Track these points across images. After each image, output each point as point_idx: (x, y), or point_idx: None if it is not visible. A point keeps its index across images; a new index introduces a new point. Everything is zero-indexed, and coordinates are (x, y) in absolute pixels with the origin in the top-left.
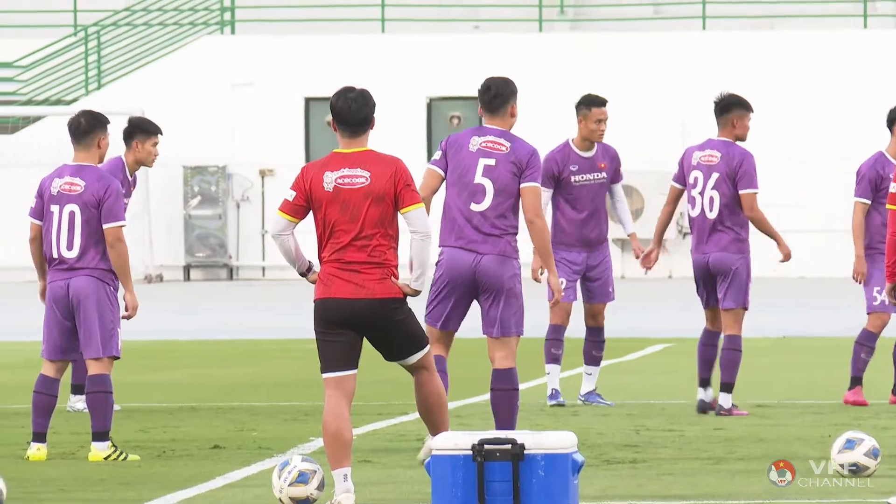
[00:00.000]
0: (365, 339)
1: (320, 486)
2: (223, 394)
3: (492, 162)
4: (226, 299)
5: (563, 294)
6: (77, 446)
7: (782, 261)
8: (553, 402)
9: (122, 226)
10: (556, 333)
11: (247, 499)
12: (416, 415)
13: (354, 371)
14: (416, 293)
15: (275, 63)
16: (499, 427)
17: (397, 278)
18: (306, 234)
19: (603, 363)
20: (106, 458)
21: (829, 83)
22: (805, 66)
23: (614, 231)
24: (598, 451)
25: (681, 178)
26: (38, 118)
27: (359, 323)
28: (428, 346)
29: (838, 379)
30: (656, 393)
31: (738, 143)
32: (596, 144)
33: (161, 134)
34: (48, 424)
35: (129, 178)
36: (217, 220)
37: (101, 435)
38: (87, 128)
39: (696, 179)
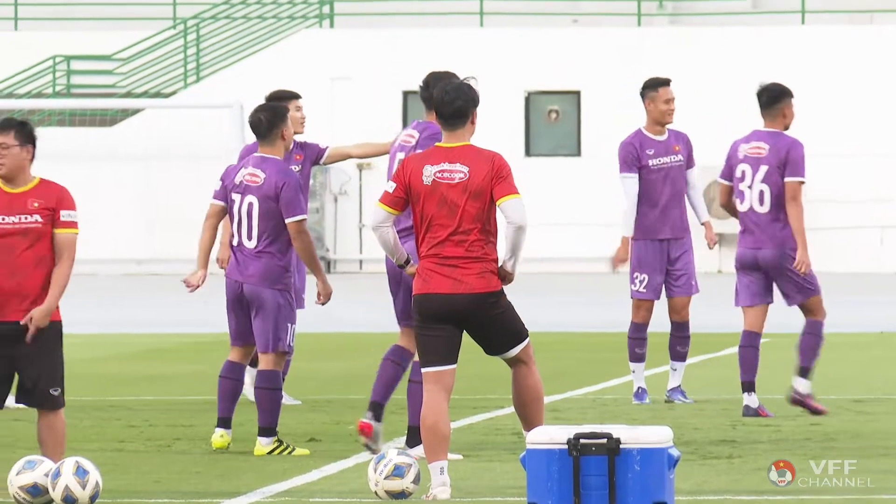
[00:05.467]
0: (465, 334)
1: (416, 480)
2: (320, 387)
3: None
4: None
5: (645, 291)
6: (173, 438)
7: (798, 268)
8: (638, 401)
9: (303, 219)
10: (638, 332)
11: (343, 491)
12: (512, 409)
13: (454, 366)
14: (510, 275)
15: (373, 57)
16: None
17: (496, 273)
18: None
19: (699, 357)
20: (270, 453)
21: None
22: None
23: (713, 226)
24: (694, 446)
25: (728, 172)
26: (136, 111)
27: (458, 318)
28: (527, 340)
29: None
30: None
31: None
32: (667, 129)
33: (300, 97)
34: (233, 410)
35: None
36: (315, 213)
37: (266, 430)
38: (269, 124)
39: (743, 173)
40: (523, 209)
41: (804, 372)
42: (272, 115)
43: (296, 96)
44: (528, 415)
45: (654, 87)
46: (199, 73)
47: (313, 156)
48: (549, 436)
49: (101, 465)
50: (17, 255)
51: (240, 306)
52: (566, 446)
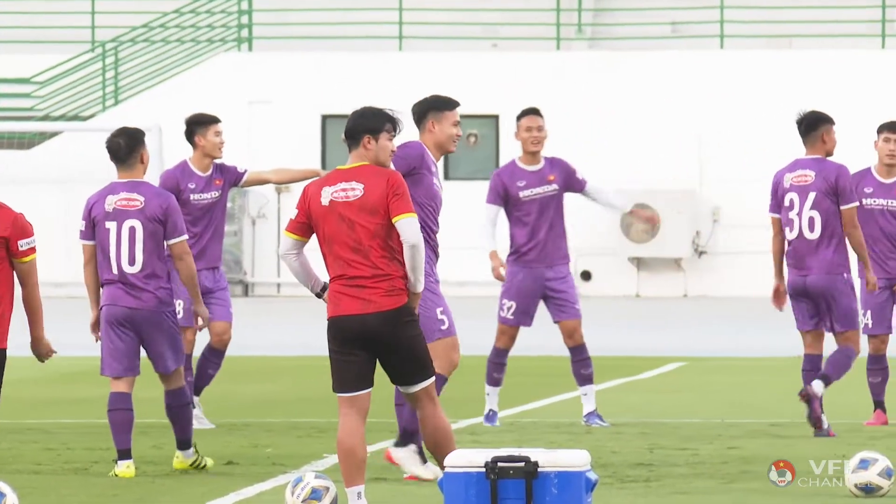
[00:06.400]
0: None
1: (333, 503)
2: (238, 410)
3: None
4: (241, 316)
5: (512, 318)
6: (91, 461)
7: (870, 289)
8: (488, 423)
9: (186, 240)
10: (498, 357)
11: None
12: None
13: (368, 390)
14: (416, 295)
15: (292, 80)
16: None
17: (404, 289)
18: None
19: (617, 381)
20: (192, 464)
21: (846, 102)
22: (822, 85)
23: (629, 250)
24: (612, 470)
25: (776, 205)
26: (54, 134)
27: (370, 339)
28: (433, 379)
29: (853, 399)
30: (670, 412)
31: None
32: (543, 159)
33: (220, 122)
34: (131, 439)
35: (203, 176)
36: (233, 236)
37: (186, 443)
38: (128, 148)
39: (791, 201)
40: (418, 227)
41: (826, 379)
42: (131, 140)
43: (215, 120)
44: (442, 454)
45: (518, 117)
46: (118, 96)
47: (232, 179)
48: (467, 459)
49: (18, 487)
50: None
51: (131, 333)
52: (484, 469)
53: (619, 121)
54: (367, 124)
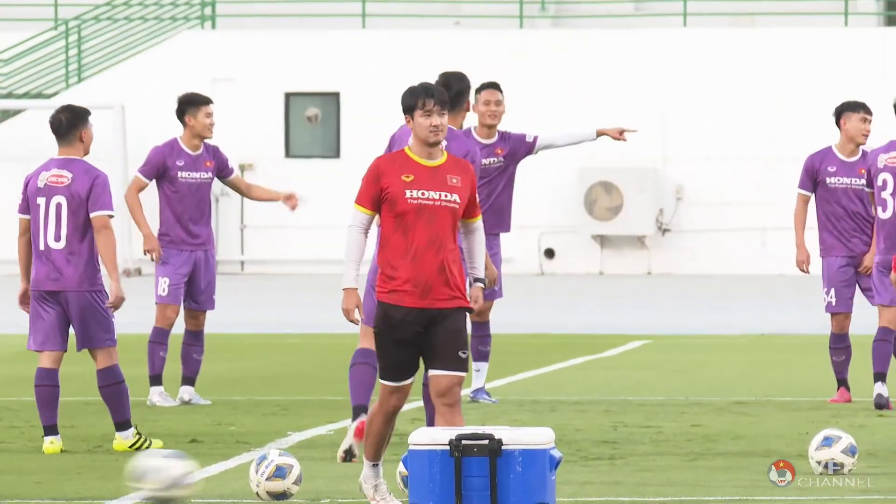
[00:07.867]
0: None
1: (297, 481)
2: (201, 388)
3: None
4: None
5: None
6: None
7: None
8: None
9: (109, 215)
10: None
11: (224, 492)
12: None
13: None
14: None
15: (255, 58)
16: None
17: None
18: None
19: (583, 359)
20: (132, 447)
21: (809, 81)
22: (785, 63)
23: (593, 228)
24: (576, 447)
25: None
26: (18, 111)
27: None
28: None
29: (817, 377)
30: (634, 389)
31: None
32: (497, 133)
33: (211, 102)
34: (56, 415)
35: (192, 154)
36: None
37: (123, 425)
38: (69, 125)
39: (885, 181)
40: (351, 216)
41: (883, 377)
42: (72, 117)
43: (207, 101)
44: (368, 445)
45: (477, 90)
46: (81, 74)
47: (220, 167)
48: (431, 437)
49: None
50: None
51: (57, 308)
52: (448, 447)
53: (581, 99)
54: (403, 103)
